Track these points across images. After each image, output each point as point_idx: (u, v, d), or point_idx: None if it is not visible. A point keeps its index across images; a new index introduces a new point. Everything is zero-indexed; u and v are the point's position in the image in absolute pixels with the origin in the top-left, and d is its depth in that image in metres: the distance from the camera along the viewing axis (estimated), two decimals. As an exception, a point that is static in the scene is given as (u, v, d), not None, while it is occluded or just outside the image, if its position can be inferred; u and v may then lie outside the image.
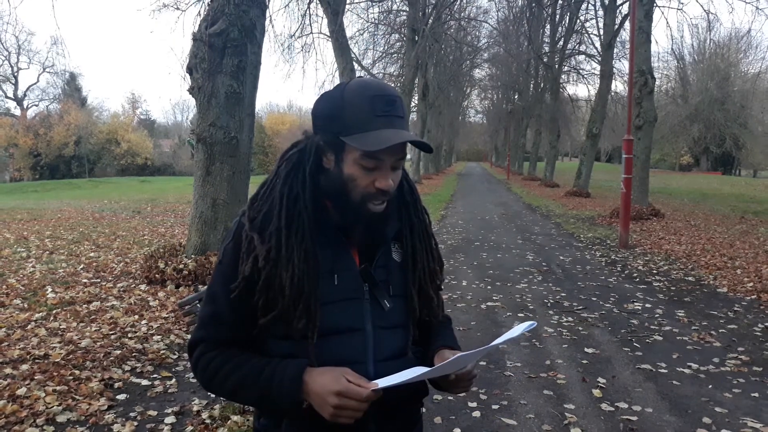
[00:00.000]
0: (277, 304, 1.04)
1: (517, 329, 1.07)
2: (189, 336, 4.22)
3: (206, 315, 1.12)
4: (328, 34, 15.63)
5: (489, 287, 6.30)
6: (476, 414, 3.13)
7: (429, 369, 1.04)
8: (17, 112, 46.57)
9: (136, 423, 2.98)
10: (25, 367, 3.58)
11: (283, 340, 1.08)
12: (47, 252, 7.97)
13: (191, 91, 5.73)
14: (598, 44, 22.10)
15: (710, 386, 3.55)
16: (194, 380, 3.57)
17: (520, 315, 5.16)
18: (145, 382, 3.51)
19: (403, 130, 1.03)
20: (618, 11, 18.73)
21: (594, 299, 5.76)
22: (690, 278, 6.74)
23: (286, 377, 1.02)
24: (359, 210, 1.05)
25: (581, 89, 74.48)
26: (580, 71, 29.36)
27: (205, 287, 3.59)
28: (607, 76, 19.54)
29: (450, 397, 3.24)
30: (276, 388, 1.02)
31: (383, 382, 1.01)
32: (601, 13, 20.34)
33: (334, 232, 1.09)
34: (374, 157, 1.02)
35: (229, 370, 1.06)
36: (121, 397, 3.29)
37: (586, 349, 4.21)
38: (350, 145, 1.02)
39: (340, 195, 1.06)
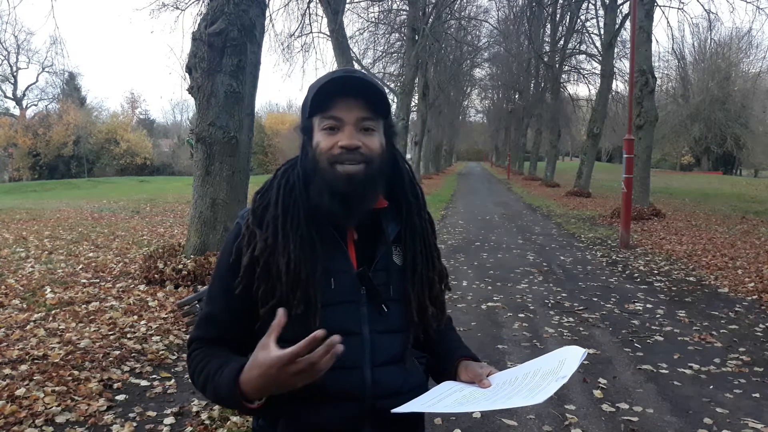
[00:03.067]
0: (275, 292, 1.03)
1: (567, 361, 0.97)
2: (188, 336, 4.21)
3: (202, 315, 1.14)
4: (328, 33, 15.62)
5: (489, 287, 6.29)
6: (477, 415, 3.12)
7: (471, 398, 1.00)
8: (16, 111, 46.54)
9: (135, 424, 2.97)
10: (24, 367, 3.57)
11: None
12: (46, 252, 7.96)
13: (190, 90, 5.71)
14: (598, 44, 22.10)
15: (711, 387, 3.54)
16: (193, 381, 3.56)
17: (521, 315, 5.14)
18: (144, 383, 3.50)
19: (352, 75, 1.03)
20: (618, 11, 18.71)
21: (595, 300, 5.74)
22: (691, 278, 6.72)
23: (224, 378, 0.99)
24: (329, 176, 1.02)
25: (582, 89, 74.37)
26: (581, 71, 29.35)
27: (205, 287, 3.58)
28: (607, 75, 19.53)
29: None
30: (221, 388, 1.00)
31: (407, 408, 0.97)
32: (601, 12, 20.34)
33: (329, 232, 1.07)
34: (330, 116, 1.02)
35: (201, 368, 1.07)
36: (120, 397, 3.28)
37: (587, 350, 4.20)
38: (314, 117, 1.05)
39: (315, 168, 1.05)
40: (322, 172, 1.03)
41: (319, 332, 0.88)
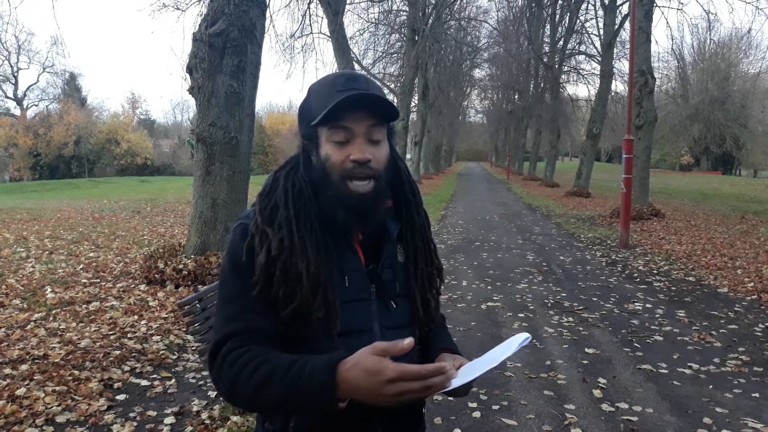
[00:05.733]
0: (296, 295, 1.02)
1: (512, 345, 1.03)
2: (188, 336, 4.22)
3: (229, 313, 1.04)
4: (328, 34, 15.65)
5: (489, 287, 6.30)
6: (476, 414, 3.13)
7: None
8: (17, 112, 46.60)
9: (135, 423, 2.98)
10: (24, 367, 3.58)
11: (295, 342, 1.05)
12: (47, 252, 7.96)
13: (191, 91, 5.72)
14: (598, 44, 22.12)
15: (711, 386, 3.54)
16: (194, 380, 3.57)
17: (520, 315, 5.15)
18: (144, 383, 3.51)
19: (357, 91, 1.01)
20: (618, 11, 18.74)
21: (594, 299, 5.75)
22: (690, 278, 6.73)
23: (317, 369, 0.92)
24: (341, 191, 1.02)
25: (581, 89, 74.51)
26: (580, 71, 29.40)
27: (205, 287, 3.59)
28: (607, 76, 19.54)
29: (450, 398, 3.23)
30: (306, 381, 0.92)
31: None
32: (601, 13, 20.35)
33: (338, 233, 1.08)
34: (339, 127, 1.02)
35: (256, 365, 0.97)
36: (121, 397, 3.29)
37: (586, 350, 4.21)
38: (320, 127, 1.04)
39: (324, 181, 1.04)
40: (334, 187, 1.03)
41: (445, 364, 0.89)
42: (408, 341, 0.90)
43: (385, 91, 23.32)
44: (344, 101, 0.99)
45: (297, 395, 0.93)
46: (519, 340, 1.04)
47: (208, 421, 3.00)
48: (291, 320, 1.05)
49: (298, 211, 1.05)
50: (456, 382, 0.99)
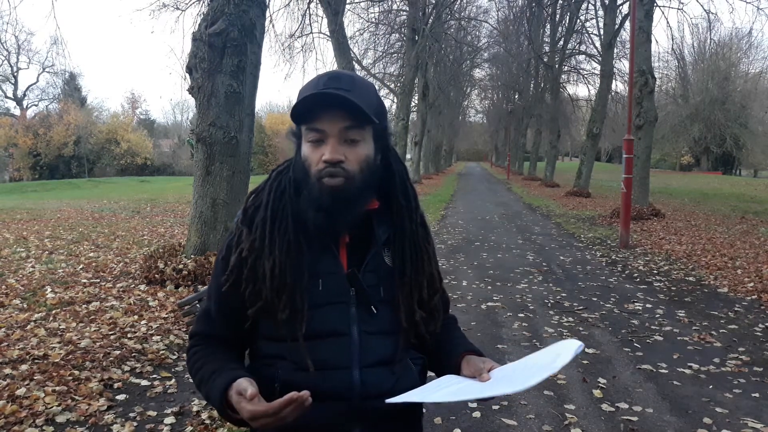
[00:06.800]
0: (261, 294, 1.05)
1: (564, 352, 0.98)
2: (188, 336, 4.22)
3: (201, 311, 1.18)
4: (328, 33, 15.66)
5: (489, 287, 6.29)
6: (476, 414, 3.13)
7: (464, 389, 1.01)
8: (17, 111, 46.63)
9: (135, 423, 2.98)
10: (24, 367, 3.58)
11: (271, 341, 1.09)
12: (47, 252, 7.96)
13: (191, 90, 5.72)
14: (598, 44, 22.10)
15: (711, 386, 3.54)
16: (194, 380, 3.57)
17: (520, 315, 5.15)
18: (144, 383, 3.51)
19: (333, 90, 1.00)
20: (618, 11, 18.72)
21: (594, 299, 5.75)
22: (690, 278, 6.73)
23: (212, 390, 1.04)
24: (317, 188, 1.03)
25: (581, 89, 73.79)
26: (581, 71, 29.38)
27: (205, 287, 3.60)
28: (607, 75, 19.53)
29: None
30: (210, 398, 1.06)
31: (402, 398, 0.97)
32: (601, 12, 20.34)
33: (319, 235, 1.07)
34: (313, 128, 1.03)
35: (198, 367, 1.11)
36: (121, 397, 3.29)
37: (586, 350, 4.21)
38: (302, 127, 1.06)
39: (304, 180, 1.06)
40: (309, 186, 1.04)
41: (294, 394, 0.92)
42: (250, 392, 0.96)
43: (385, 91, 23.36)
44: (306, 99, 1.01)
45: (211, 405, 1.10)
46: (572, 348, 0.99)
47: (208, 421, 3.00)
48: (258, 318, 1.08)
49: (275, 212, 1.07)
50: (504, 389, 0.94)
